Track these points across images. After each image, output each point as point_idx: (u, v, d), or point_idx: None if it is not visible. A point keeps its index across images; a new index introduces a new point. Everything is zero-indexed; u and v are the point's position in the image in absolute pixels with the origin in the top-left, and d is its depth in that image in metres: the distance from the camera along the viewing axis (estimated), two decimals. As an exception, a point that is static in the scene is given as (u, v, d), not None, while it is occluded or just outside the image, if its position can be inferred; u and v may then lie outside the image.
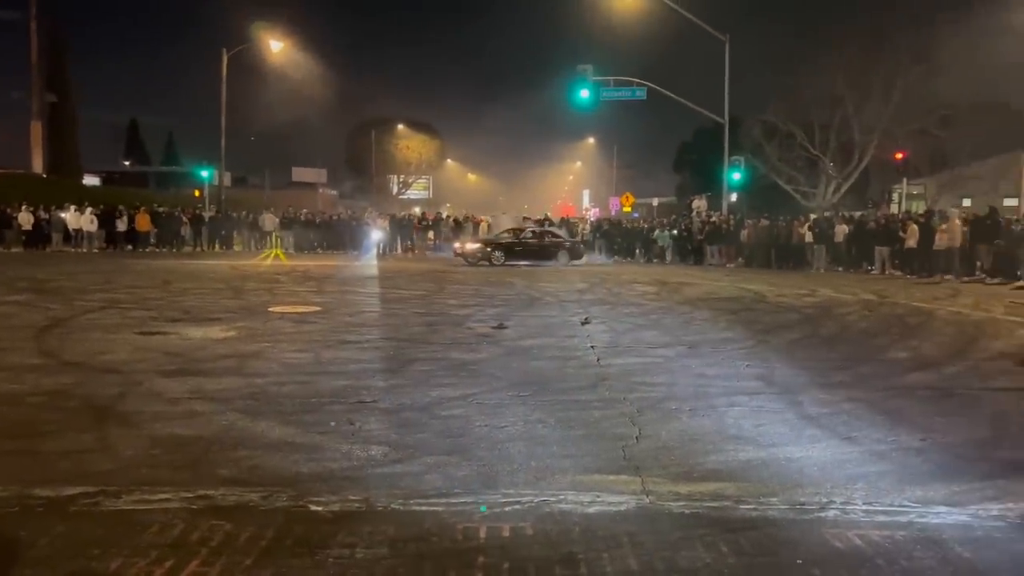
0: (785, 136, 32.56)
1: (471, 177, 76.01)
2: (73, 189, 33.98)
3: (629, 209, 45.63)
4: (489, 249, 24.00)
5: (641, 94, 29.14)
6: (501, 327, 9.78)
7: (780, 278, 19.87)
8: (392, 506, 3.74)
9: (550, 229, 27.25)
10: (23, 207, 28.01)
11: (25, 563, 3.18)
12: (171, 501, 3.75)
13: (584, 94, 28.71)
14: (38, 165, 34.96)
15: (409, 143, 63.97)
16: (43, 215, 28.42)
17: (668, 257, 27.05)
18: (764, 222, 25.96)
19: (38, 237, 27.94)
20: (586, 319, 10.66)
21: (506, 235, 25.42)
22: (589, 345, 8.57)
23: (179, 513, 3.61)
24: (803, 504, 3.85)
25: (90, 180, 45.88)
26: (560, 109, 35.46)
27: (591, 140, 67.67)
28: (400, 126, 63.88)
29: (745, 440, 4.98)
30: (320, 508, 3.72)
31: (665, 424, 5.37)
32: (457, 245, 25.72)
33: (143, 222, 30.08)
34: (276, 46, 34.10)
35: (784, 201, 33.51)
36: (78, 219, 28.45)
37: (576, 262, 24.45)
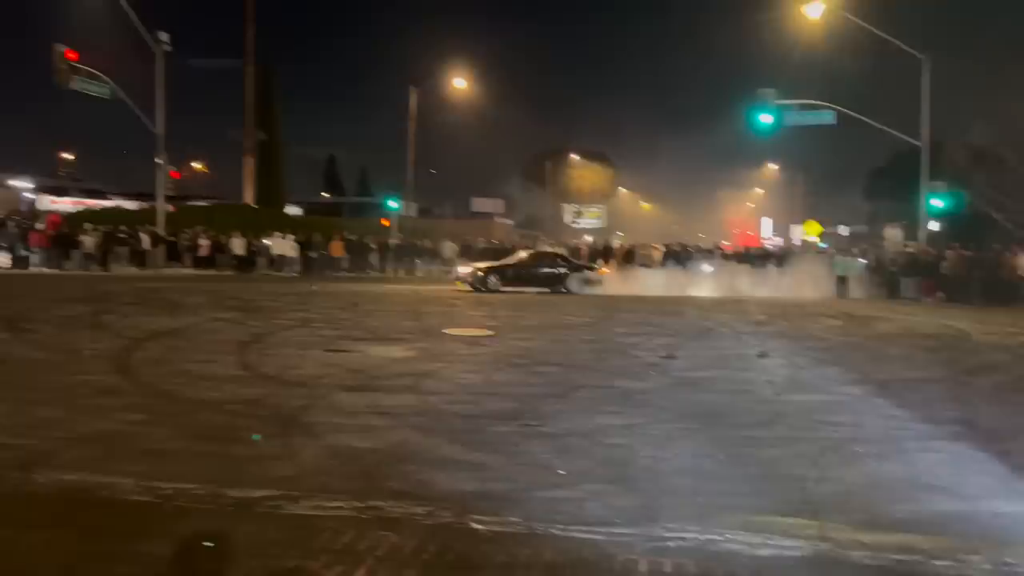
0: (994, 160, 29.50)
1: (644, 206, 75.35)
2: (278, 218, 37.22)
3: (816, 237, 43.28)
4: (482, 274, 22.67)
5: (828, 118, 27.65)
6: (670, 357, 9.52)
7: (988, 315, 17.93)
8: (551, 531, 3.71)
9: (558, 253, 26.13)
10: (236, 235, 31.03)
11: (215, 558, 3.45)
12: (343, 509, 3.93)
13: (765, 119, 27.67)
14: (249, 197, 38.66)
15: (582, 172, 64.59)
16: (252, 242, 31.33)
17: (853, 290, 25.15)
18: (969, 253, 23.62)
19: (247, 262, 30.81)
20: (763, 352, 10.15)
21: (509, 260, 24.28)
22: (766, 379, 8.14)
23: (350, 521, 3.78)
24: (1011, 565, 3.40)
25: (293, 210, 50.05)
26: (739, 135, 34.29)
27: (773, 166, 65.07)
28: (574, 156, 64.65)
29: (941, 490, 4.49)
30: (481, 527, 3.75)
31: (849, 467, 4.96)
32: (461, 269, 24.36)
33: (336, 248, 32.45)
34: (459, 83, 35.77)
35: (992, 230, 30.33)
36: (281, 245, 31.12)
37: (590, 289, 23.15)
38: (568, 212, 67.48)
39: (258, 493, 4.13)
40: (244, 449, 5.07)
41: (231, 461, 4.80)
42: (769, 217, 70.03)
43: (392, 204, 39.17)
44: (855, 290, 24.75)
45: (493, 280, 22.32)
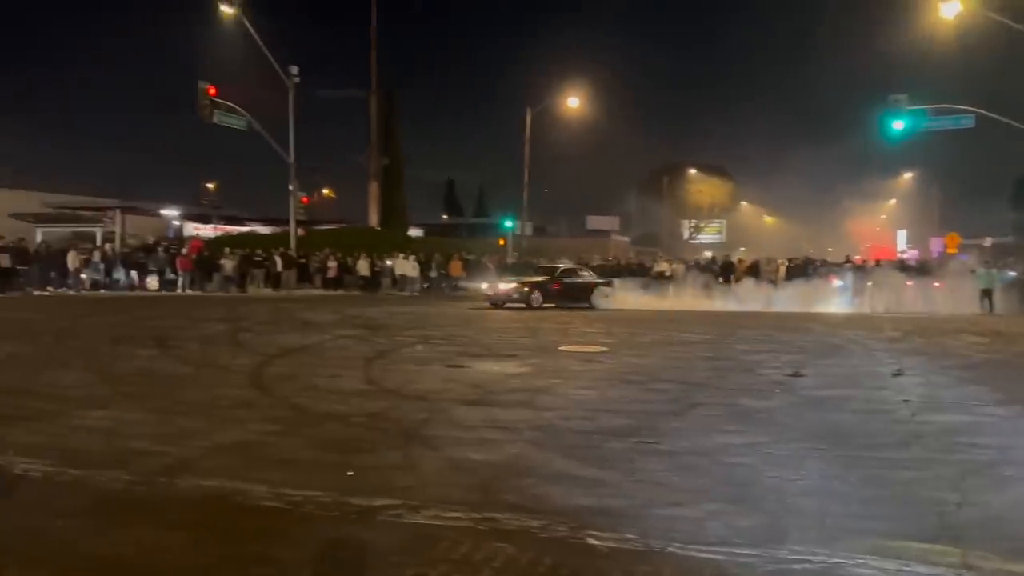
0: None
1: (767, 219, 72.90)
2: (400, 240, 38.51)
3: (954, 250, 40.50)
4: (527, 290, 22.20)
5: (968, 122, 25.92)
6: (797, 375, 9.14)
7: None
8: (669, 549, 3.63)
9: (578, 267, 25.43)
10: (362, 256, 32.30)
11: (340, 563, 3.58)
12: (461, 520, 4.00)
13: (898, 125, 26.27)
14: (373, 219, 40.20)
15: (701, 187, 63.31)
16: (376, 263, 32.52)
17: (997, 305, 23.23)
18: None
19: (372, 282, 31.99)
20: (898, 370, 9.56)
21: (541, 276, 23.68)
22: (901, 399, 7.66)
23: (467, 532, 3.84)
24: None
25: (414, 232, 51.64)
26: (870, 143, 32.68)
27: (907, 175, 61.54)
28: (692, 170, 63.51)
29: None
30: (597, 542, 3.72)
31: (996, 491, 4.59)
32: (486, 286, 23.99)
33: (455, 268, 33.20)
34: (573, 102, 35.93)
35: None
36: (403, 266, 32.14)
37: (606, 303, 22.95)
38: (686, 228, 66.20)
39: (380, 502, 4.27)
40: (368, 459, 5.26)
41: (355, 471, 4.98)
42: (904, 228, 66.17)
43: (508, 224, 39.72)
44: (1001, 305, 22.92)
45: (536, 296, 22.28)
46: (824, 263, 30.53)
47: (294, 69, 26.03)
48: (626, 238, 68.28)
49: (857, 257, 34.49)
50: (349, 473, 4.86)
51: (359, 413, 6.79)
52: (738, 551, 3.61)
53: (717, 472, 4.99)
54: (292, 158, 26.27)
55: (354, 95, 39.25)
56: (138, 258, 29.30)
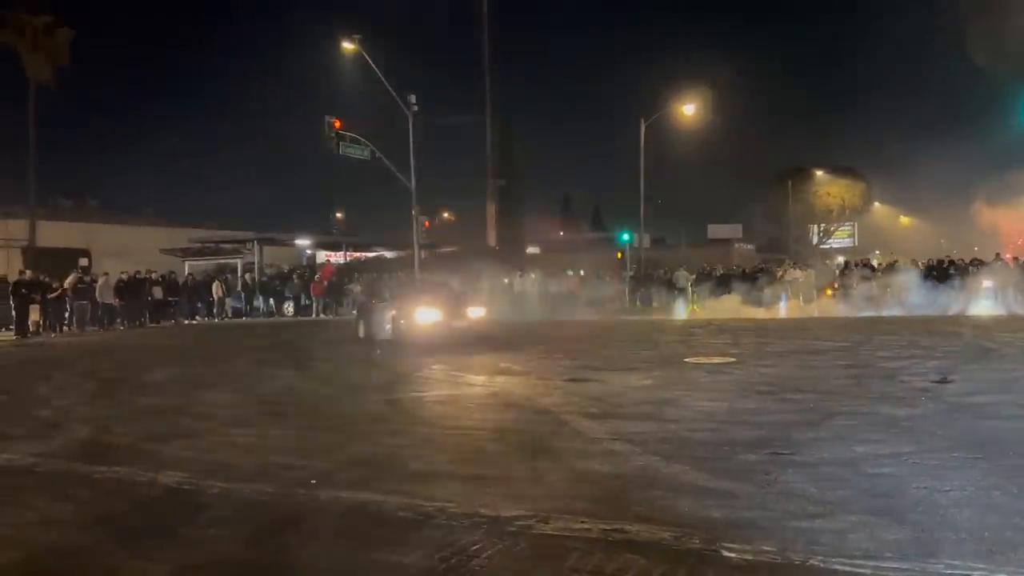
0: None
1: (903, 220, 68.75)
2: (519, 258, 38.94)
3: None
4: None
5: None
6: (944, 381, 8.55)
7: None
8: (811, 562, 3.47)
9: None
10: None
11: (471, 571, 3.64)
12: (591, 531, 3.98)
13: (1046, 110, 24.23)
14: (492, 239, 40.89)
15: (829, 189, 60.51)
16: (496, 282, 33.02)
17: None
18: None
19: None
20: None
21: None
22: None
23: (597, 543, 3.82)
24: None
25: (532, 250, 52.07)
26: (1013, 132, 30.34)
27: (1061, 165, 56.49)
28: (819, 172, 60.84)
29: None
30: (733, 555, 3.61)
31: None
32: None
33: (573, 285, 33.24)
34: (689, 109, 35.28)
35: None
36: (522, 284, 32.47)
37: None
38: (815, 232, 63.39)
39: (509, 512, 4.31)
40: (496, 471, 5.33)
41: (485, 482, 5.06)
42: (1061, 223, 60.66)
43: (625, 237, 39.36)
44: None
45: None
46: (972, 262, 28.39)
47: (412, 98, 26.90)
48: (750, 246, 66.10)
49: (1008, 256, 31.91)
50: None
51: (486, 427, 6.90)
52: (886, 564, 3.41)
53: (859, 483, 4.73)
54: (414, 184, 27.14)
55: (470, 120, 40.19)
56: (275, 286, 31.04)
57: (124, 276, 24.78)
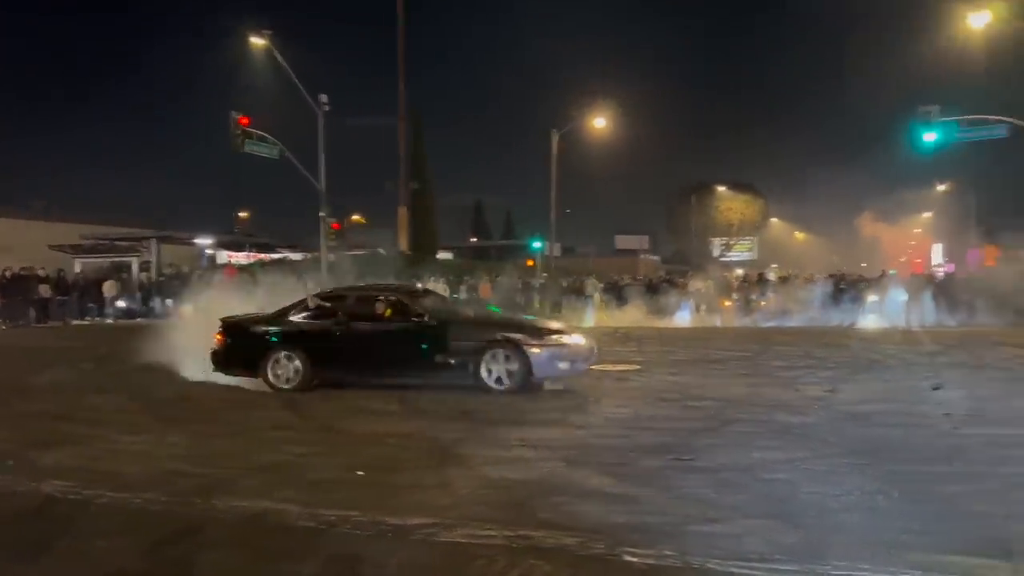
0: None
1: (798, 235, 72.17)
2: (430, 264, 38.72)
3: (993, 263, 39.64)
4: None
5: (1001, 132, 25.45)
6: (834, 391, 8.98)
7: None
8: (708, 565, 3.57)
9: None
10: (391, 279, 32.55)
11: (375, 579, 3.57)
12: (496, 538, 3.97)
13: (930, 137, 25.88)
14: (403, 244, 40.55)
15: (730, 204, 62.95)
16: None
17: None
18: None
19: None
20: (938, 384, 9.35)
21: None
22: (943, 412, 7.48)
23: (502, 550, 3.82)
24: None
25: (444, 256, 51.87)
26: (902, 157, 32.28)
27: (941, 188, 60.58)
28: (720, 188, 63.22)
29: None
30: (635, 559, 3.67)
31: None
32: None
33: (485, 291, 33.29)
34: (600, 122, 35.99)
35: None
36: (435, 288, 32.33)
37: None
38: (716, 245, 65.76)
39: (415, 520, 4.26)
40: (405, 478, 5.25)
41: (392, 490, 4.97)
42: (939, 242, 65.04)
43: (536, 245, 39.77)
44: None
45: None
46: (860, 279, 30.06)
47: (324, 97, 26.40)
48: (656, 257, 67.96)
49: (892, 272, 33.95)
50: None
51: (394, 434, 6.80)
52: (778, 567, 3.54)
53: (756, 488, 4.91)
54: (323, 185, 26.61)
55: (382, 122, 39.76)
56: (173, 287, 29.81)
57: (7, 273, 23.28)
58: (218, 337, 9.72)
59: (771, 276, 34.57)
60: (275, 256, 41.30)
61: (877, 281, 28.48)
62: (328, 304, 9.67)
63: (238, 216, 59.63)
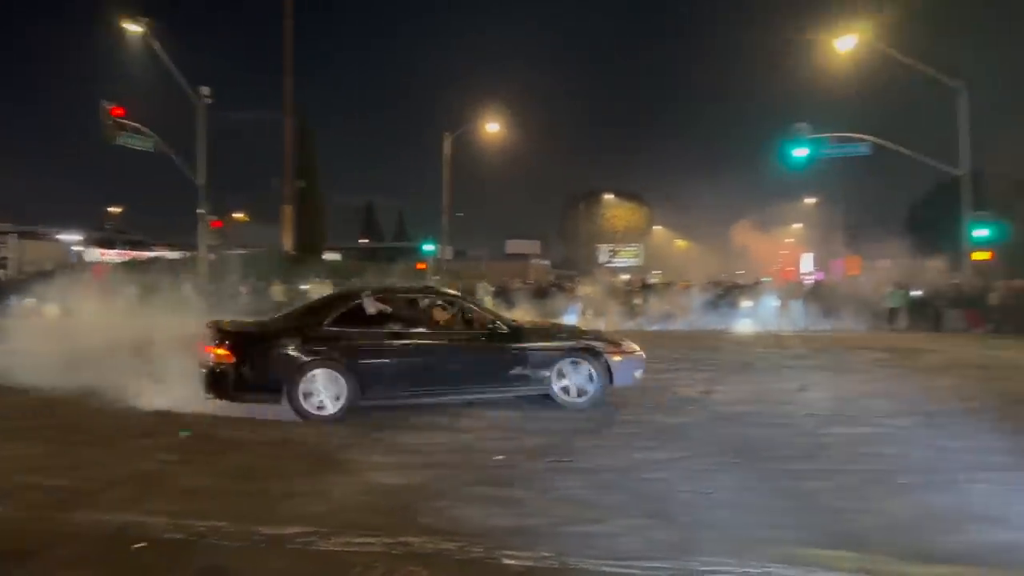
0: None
1: (679, 243, 75.09)
2: (316, 265, 37.81)
3: (856, 272, 42.45)
4: None
5: (863, 150, 27.31)
6: (709, 392, 9.36)
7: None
8: (584, 565, 3.63)
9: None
10: (276, 282, 31.51)
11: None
12: (374, 545, 3.90)
13: (800, 153, 27.48)
14: (288, 244, 39.42)
15: (617, 212, 64.78)
16: (292, 289, 31.75)
17: (900, 322, 24.58)
18: (1018, 283, 22.96)
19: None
20: (803, 386, 9.92)
21: None
22: (806, 413, 7.94)
23: (380, 557, 3.76)
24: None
25: (332, 257, 50.80)
26: (776, 170, 34.10)
27: (811, 201, 64.47)
28: (608, 196, 64.95)
29: (993, 520, 4.31)
30: (513, 562, 3.69)
31: (895, 498, 4.79)
32: None
33: (372, 293, 32.81)
34: (493, 127, 36.24)
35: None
36: (321, 291, 31.52)
37: None
38: (603, 251, 67.49)
39: (290, 530, 4.13)
40: (281, 486, 5.08)
41: (267, 498, 4.80)
42: (809, 251, 69.12)
43: (428, 248, 39.57)
44: (902, 322, 24.19)
45: None
46: (736, 286, 31.54)
47: (205, 90, 25.32)
48: (546, 262, 69.01)
49: (766, 280, 35.83)
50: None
51: (266, 441, 6.58)
52: (652, 564, 3.64)
53: (633, 488, 5.04)
54: (202, 180, 25.50)
55: (267, 116, 38.63)
56: (34, 285, 27.80)
57: None
58: (220, 351, 7.36)
59: (654, 282, 35.77)
60: (150, 254, 39.27)
61: (752, 288, 30.00)
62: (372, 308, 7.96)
63: (108, 212, 56.38)
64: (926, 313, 24.83)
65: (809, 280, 44.46)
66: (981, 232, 26.78)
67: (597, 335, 9.12)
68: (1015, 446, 6.17)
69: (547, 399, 8.23)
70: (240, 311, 28.87)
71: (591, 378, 8.20)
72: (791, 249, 73.24)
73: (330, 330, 7.67)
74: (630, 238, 67.99)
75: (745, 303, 27.41)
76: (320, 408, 7.33)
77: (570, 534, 4.11)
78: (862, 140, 27.62)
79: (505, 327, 8.32)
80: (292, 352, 7.43)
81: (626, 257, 70.60)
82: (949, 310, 24.30)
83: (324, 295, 10.00)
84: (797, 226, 71.26)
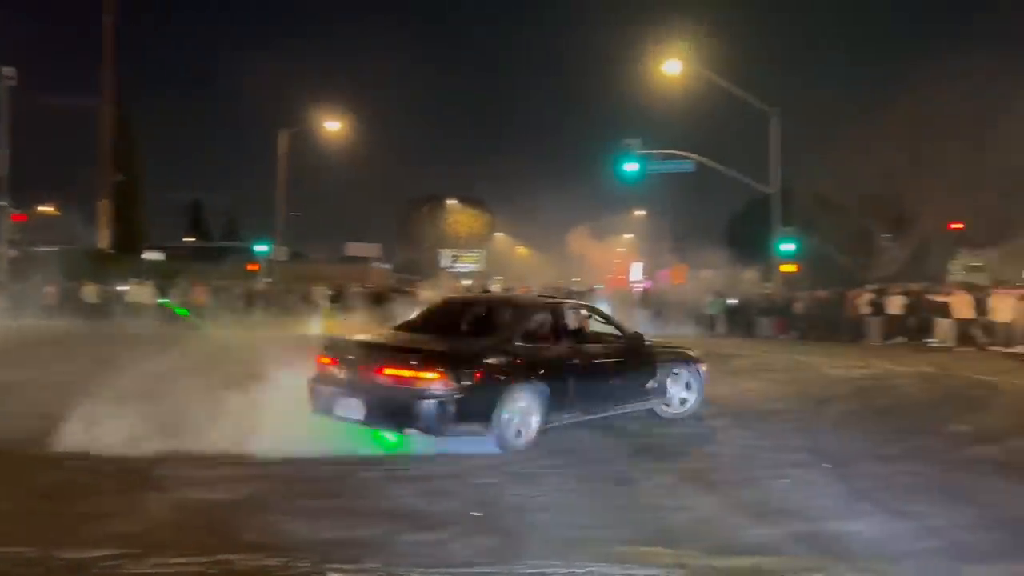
0: (837, 207, 32.21)
1: (520, 250, 76.81)
2: (135, 264, 35.29)
3: (681, 281, 45.21)
4: None
5: (688, 166, 29.20)
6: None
7: (835, 350, 19.28)
8: (411, 574, 3.62)
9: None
10: (87, 282, 29.06)
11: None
12: (190, 565, 3.69)
13: (631, 167, 28.93)
14: (104, 241, 36.56)
15: (459, 218, 65.26)
16: (107, 290, 29.42)
17: (719, 328, 26.51)
18: (819, 293, 25.41)
19: (100, 311, 28.83)
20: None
21: None
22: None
23: (197, 578, 3.56)
24: (850, 581, 3.61)
25: (154, 256, 47.64)
26: (610, 183, 35.73)
27: (641, 213, 68.04)
28: (450, 201, 65.31)
29: (791, 513, 4.73)
30: (339, 575, 3.62)
31: (706, 496, 5.14)
32: None
33: (200, 296, 30.94)
34: (332, 126, 35.38)
35: (839, 273, 32.90)
36: (138, 293, 29.37)
37: None
38: (445, 256, 67.75)
39: (96, 553, 3.82)
40: (87, 506, 4.69)
41: (70, 519, 4.42)
42: (639, 261, 72.86)
43: (261, 248, 37.91)
44: (720, 328, 26.05)
45: None
46: (571, 292, 32.68)
47: (9, 71, 23.03)
48: (387, 266, 68.26)
49: (599, 287, 37.45)
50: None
51: (74, 456, 6.05)
52: (480, 570, 3.69)
53: (464, 494, 5.08)
54: (3, 171, 23.15)
55: (83, 103, 35.61)
56: None
57: None
58: (436, 374, 6.01)
59: (494, 288, 36.36)
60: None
61: (586, 295, 31.18)
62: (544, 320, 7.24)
63: None
64: (740, 320, 26.89)
65: (638, 288, 46.76)
66: (788, 246, 29.35)
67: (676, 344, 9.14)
68: (813, 444, 6.81)
69: None
70: (50, 312, 26.43)
71: (688, 387, 8.20)
72: (622, 258, 76.94)
73: (522, 346, 6.82)
74: (472, 244, 68.69)
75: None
76: (518, 435, 6.41)
77: (400, 543, 4.09)
78: (686, 157, 29.49)
79: (645, 338, 8.10)
80: (500, 374, 6.42)
81: (468, 262, 71.24)
82: (760, 318, 26.40)
83: (483, 302, 8.82)
84: (629, 236, 74.96)
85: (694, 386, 8.24)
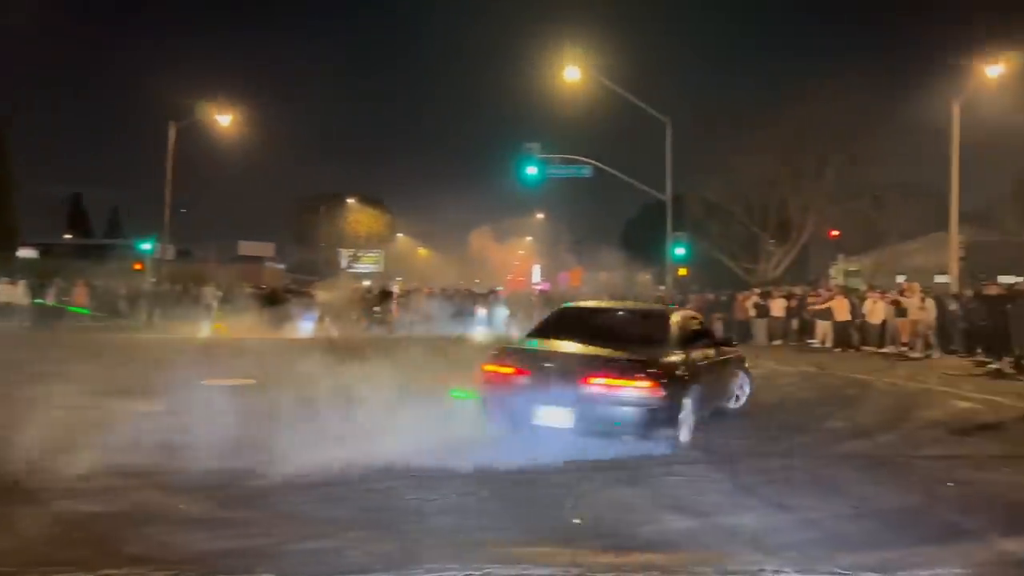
0: (725, 213, 33.64)
1: (421, 251, 76.33)
2: (7, 263, 33.03)
3: (578, 283, 46.06)
4: None
5: (586, 172, 29.79)
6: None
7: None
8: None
9: None
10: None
11: None
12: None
13: (531, 171, 29.25)
14: (-29, 236, 34.05)
15: (359, 217, 64.20)
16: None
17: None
18: (709, 296, 26.43)
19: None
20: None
21: None
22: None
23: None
24: (735, 573, 3.79)
25: (27, 253, 44.74)
26: (510, 185, 36.04)
27: (540, 216, 68.89)
28: (350, 200, 64.19)
29: (680, 509, 4.92)
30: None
31: (600, 494, 5.27)
32: None
33: (81, 296, 29.18)
34: (224, 120, 34.08)
35: (729, 276, 34.36)
36: (9, 292, 27.46)
37: None
38: (344, 257, 66.48)
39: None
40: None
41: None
42: (539, 264, 73.76)
43: (145, 246, 36.11)
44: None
45: None
46: (470, 294, 32.77)
47: None
48: (282, 265, 66.43)
49: (501, 289, 37.69)
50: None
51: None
52: (375, 576, 3.66)
53: (359, 500, 5.02)
54: None
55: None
56: None
57: None
58: (649, 382, 6.45)
59: (395, 289, 35.99)
60: None
61: (486, 297, 31.36)
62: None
63: None
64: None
65: (536, 289, 47.36)
66: (680, 250, 30.39)
67: None
68: (700, 443, 7.08)
69: None
70: None
71: (742, 384, 9.20)
72: (523, 260, 77.71)
73: (687, 353, 7.46)
74: (373, 244, 67.71)
75: (480, 311, 28.58)
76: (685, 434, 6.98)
77: (294, 551, 4.02)
78: (584, 163, 30.07)
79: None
80: (686, 379, 7.03)
81: (367, 263, 70.20)
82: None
83: (638, 310, 9.55)
84: (529, 239, 75.78)
85: (746, 383, 9.32)
